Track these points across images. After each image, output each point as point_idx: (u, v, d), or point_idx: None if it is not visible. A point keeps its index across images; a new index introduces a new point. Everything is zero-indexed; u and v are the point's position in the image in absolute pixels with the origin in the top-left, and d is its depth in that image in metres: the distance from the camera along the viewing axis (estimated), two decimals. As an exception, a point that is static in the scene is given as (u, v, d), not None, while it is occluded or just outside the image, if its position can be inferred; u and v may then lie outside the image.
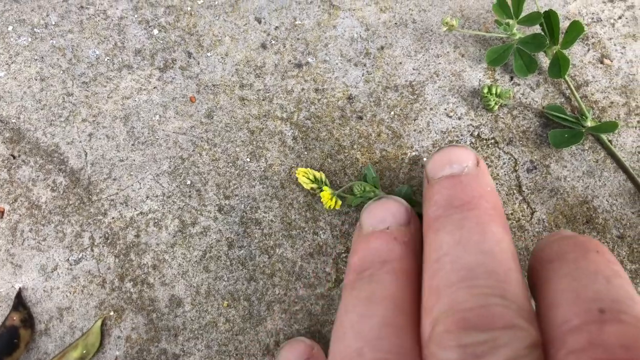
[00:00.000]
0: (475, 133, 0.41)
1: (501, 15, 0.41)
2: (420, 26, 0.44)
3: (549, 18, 0.40)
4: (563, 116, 0.40)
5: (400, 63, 0.43)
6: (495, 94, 0.41)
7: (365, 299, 0.24)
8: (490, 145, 0.41)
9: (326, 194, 0.36)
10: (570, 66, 0.42)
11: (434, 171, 0.29)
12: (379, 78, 0.42)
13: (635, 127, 0.42)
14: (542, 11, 0.41)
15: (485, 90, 0.40)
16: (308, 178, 0.37)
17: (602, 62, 0.43)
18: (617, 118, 0.42)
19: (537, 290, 0.25)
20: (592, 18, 0.44)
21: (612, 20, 0.44)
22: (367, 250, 0.26)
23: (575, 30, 0.39)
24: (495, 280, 0.22)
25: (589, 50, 0.43)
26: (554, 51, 0.40)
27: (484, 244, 0.24)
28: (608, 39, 0.44)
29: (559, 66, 0.40)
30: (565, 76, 0.40)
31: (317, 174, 0.37)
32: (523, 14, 0.43)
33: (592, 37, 0.44)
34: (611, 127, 0.38)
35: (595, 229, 0.39)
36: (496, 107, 0.40)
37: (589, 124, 0.40)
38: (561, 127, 0.41)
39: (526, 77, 0.42)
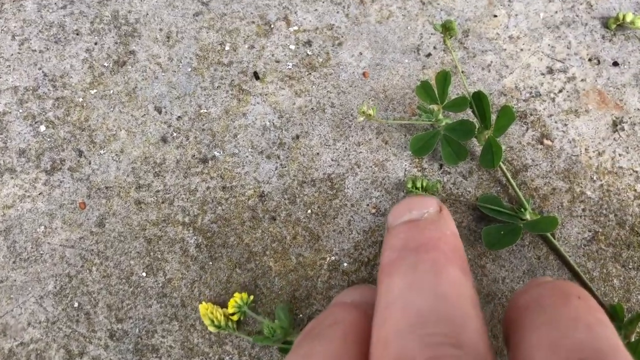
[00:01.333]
0: None
1: (425, 99, 0.42)
2: (340, 111, 0.45)
3: (479, 100, 0.40)
4: (498, 209, 0.41)
5: (318, 154, 0.43)
6: (422, 187, 0.41)
7: (304, 355, 0.25)
8: None
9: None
10: (507, 148, 0.43)
11: (393, 220, 0.30)
12: (294, 171, 0.42)
13: (581, 217, 0.42)
14: (473, 89, 0.42)
15: (410, 185, 0.41)
16: (212, 320, 0.36)
17: (542, 143, 0.44)
18: (560, 207, 0.42)
19: (511, 340, 0.25)
20: (531, 92, 0.45)
21: (552, 95, 0.45)
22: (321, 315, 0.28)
23: (506, 116, 0.40)
24: (450, 327, 0.22)
25: (527, 129, 0.44)
26: (486, 137, 0.40)
27: (439, 287, 0.24)
28: (548, 116, 0.44)
29: (492, 154, 0.40)
30: (500, 162, 0.40)
31: (224, 316, 0.37)
32: (452, 96, 0.43)
33: (531, 115, 0.44)
34: (550, 225, 0.39)
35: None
36: None
37: (528, 217, 0.40)
38: (497, 222, 0.41)
39: (456, 165, 0.42)
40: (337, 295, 0.31)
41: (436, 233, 0.27)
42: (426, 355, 0.21)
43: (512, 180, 0.43)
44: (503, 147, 0.42)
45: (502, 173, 0.44)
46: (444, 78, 0.43)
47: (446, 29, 0.42)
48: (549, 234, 0.42)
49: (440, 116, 0.43)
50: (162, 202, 0.44)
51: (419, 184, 0.42)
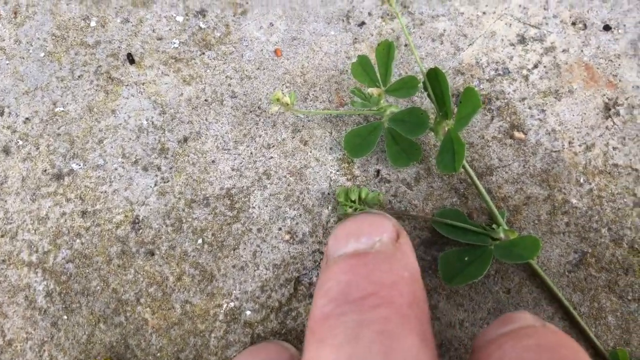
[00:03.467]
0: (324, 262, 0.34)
1: (364, 80, 0.36)
2: (243, 102, 0.38)
3: (436, 80, 0.34)
4: (463, 226, 0.34)
5: (213, 161, 0.37)
6: (358, 199, 0.35)
7: None
8: None
9: None
10: (466, 146, 0.37)
11: (333, 248, 0.27)
12: (180, 187, 0.36)
13: (564, 234, 0.36)
14: (426, 68, 0.36)
15: (342, 198, 0.35)
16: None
17: (511, 137, 0.38)
18: (536, 221, 0.36)
19: None
20: (497, 69, 0.39)
21: (524, 72, 0.39)
22: None
23: (470, 102, 0.34)
24: None
25: (492, 118, 0.38)
26: (446, 129, 0.34)
27: None
28: (520, 99, 0.38)
29: (453, 154, 0.34)
30: (467, 165, 0.35)
31: None
32: (396, 77, 0.38)
33: (498, 99, 0.38)
34: (531, 249, 0.33)
35: None
36: None
37: (502, 235, 0.34)
38: (458, 246, 0.35)
39: (406, 167, 0.37)
40: (236, 358, 0.28)
41: (389, 276, 0.25)
42: None
43: (481, 187, 0.37)
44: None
45: (464, 178, 0.38)
46: (386, 51, 0.37)
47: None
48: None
49: (383, 103, 0.37)
50: (2, 236, 0.37)
51: (354, 196, 0.36)
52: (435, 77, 0.37)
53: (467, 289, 0.38)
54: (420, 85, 0.38)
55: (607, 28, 0.44)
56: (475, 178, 0.38)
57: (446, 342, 0.37)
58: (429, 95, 0.39)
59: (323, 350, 0.22)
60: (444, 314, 0.37)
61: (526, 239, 0.36)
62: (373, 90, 0.37)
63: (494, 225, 0.38)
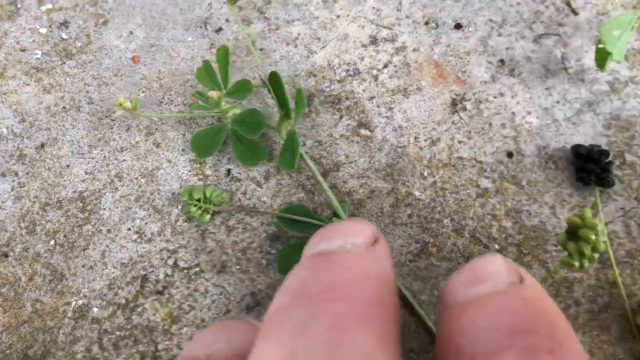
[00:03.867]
0: (172, 260, 0.38)
1: (207, 83, 0.39)
2: (99, 108, 0.41)
3: (275, 83, 0.37)
4: (306, 220, 0.37)
5: (68, 166, 0.40)
6: (204, 198, 0.38)
7: None
8: (194, 277, 0.38)
9: None
10: (315, 143, 0.40)
11: (307, 248, 0.27)
12: (35, 191, 0.39)
13: (406, 225, 0.39)
14: (275, 70, 0.39)
15: (186, 197, 0.37)
16: None
17: (358, 134, 0.40)
18: (379, 214, 0.39)
19: None
20: (348, 70, 0.42)
21: (374, 72, 0.42)
22: None
23: (300, 102, 0.37)
24: None
25: (341, 117, 0.41)
26: (287, 129, 0.37)
27: None
28: (369, 98, 0.41)
29: (293, 152, 0.37)
30: (309, 161, 0.37)
31: None
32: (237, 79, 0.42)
33: (347, 99, 0.41)
34: None
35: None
36: (207, 216, 0.37)
37: None
38: (302, 239, 0.38)
39: (254, 166, 0.39)
40: (191, 341, 0.27)
41: (352, 272, 0.24)
42: None
43: (322, 182, 0.39)
44: (309, 142, 0.39)
45: (311, 174, 0.41)
46: (224, 56, 0.40)
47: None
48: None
49: (224, 105, 0.40)
50: None
51: (197, 196, 0.39)
52: (275, 81, 0.41)
53: (307, 281, 0.40)
54: (257, 87, 0.41)
55: (458, 27, 0.47)
56: (317, 173, 0.41)
57: (285, 332, 0.40)
58: (273, 97, 0.42)
59: (267, 344, 0.21)
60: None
61: None
62: (212, 93, 0.41)
63: (334, 218, 0.41)
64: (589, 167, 0.42)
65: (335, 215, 0.41)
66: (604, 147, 0.45)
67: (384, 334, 0.21)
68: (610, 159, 0.44)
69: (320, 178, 0.41)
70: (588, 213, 0.31)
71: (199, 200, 0.41)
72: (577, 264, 0.31)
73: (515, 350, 0.21)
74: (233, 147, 0.42)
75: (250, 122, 0.41)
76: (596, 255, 0.32)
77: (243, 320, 0.27)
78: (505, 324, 0.22)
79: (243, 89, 0.41)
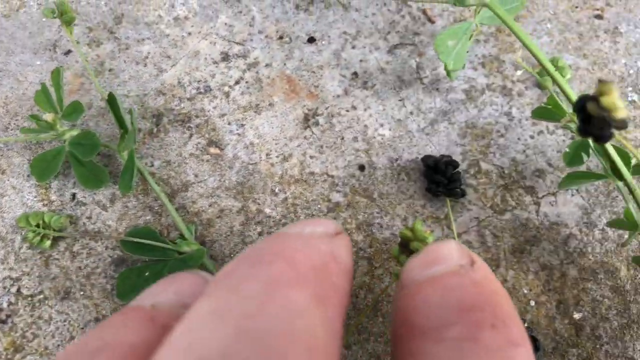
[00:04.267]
0: (15, 288, 0.38)
1: (45, 107, 0.40)
2: None
3: (111, 104, 0.38)
4: (149, 242, 0.38)
5: None
6: (43, 224, 0.38)
7: None
8: (38, 304, 0.38)
9: None
10: (163, 163, 0.41)
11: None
12: None
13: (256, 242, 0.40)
14: (123, 90, 0.40)
15: (23, 223, 0.38)
16: None
17: (208, 153, 0.41)
18: (229, 233, 0.40)
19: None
20: (198, 88, 0.43)
21: (226, 88, 0.43)
22: None
23: (132, 122, 0.37)
24: None
25: (191, 136, 0.42)
26: (124, 150, 0.38)
27: (261, 316, 0.20)
28: (220, 116, 0.42)
29: (131, 174, 0.38)
30: (152, 182, 0.38)
31: None
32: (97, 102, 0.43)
33: (197, 117, 0.42)
34: (196, 257, 0.39)
35: None
36: (46, 242, 0.38)
37: (187, 248, 0.38)
38: (153, 263, 0.39)
39: (98, 189, 0.40)
40: (144, 291, 0.26)
41: (301, 244, 0.24)
42: None
43: (169, 204, 0.40)
44: (157, 162, 0.40)
45: (157, 196, 0.42)
46: (57, 78, 0.41)
47: (60, 12, 0.40)
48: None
49: (59, 127, 0.40)
50: None
51: (35, 221, 0.40)
52: (112, 102, 0.41)
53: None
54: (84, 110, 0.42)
55: (311, 40, 0.48)
56: (162, 195, 0.43)
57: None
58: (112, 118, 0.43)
59: (204, 300, 0.21)
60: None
61: (196, 251, 0.40)
62: (47, 116, 0.41)
63: (177, 240, 0.41)
64: (436, 178, 0.44)
65: (181, 236, 0.42)
66: (459, 157, 0.46)
67: (324, 297, 0.22)
68: (459, 169, 0.46)
69: (165, 200, 0.43)
70: (418, 225, 0.33)
71: (37, 226, 0.42)
72: None
73: (462, 324, 0.23)
74: (74, 170, 0.43)
75: (86, 144, 0.42)
76: None
77: (195, 273, 0.28)
78: (454, 302, 0.24)
79: (76, 111, 0.42)
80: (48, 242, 0.42)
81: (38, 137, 0.44)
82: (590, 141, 0.42)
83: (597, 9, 0.52)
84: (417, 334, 0.24)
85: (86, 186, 0.44)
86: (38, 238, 0.42)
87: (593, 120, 0.31)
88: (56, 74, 0.43)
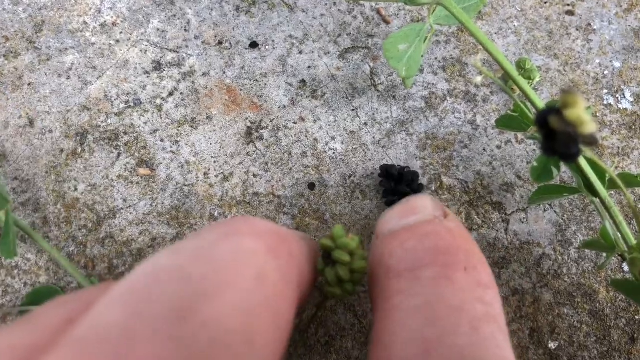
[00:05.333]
0: None
1: None
2: None
3: None
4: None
5: None
6: None
7: None
8: None
9: None
10: (88, 187, 0.36)
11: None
12: None
13: None
14: (48, 106, 0.37)
15: None
16: None
17: (138, 174, 0.37)
18: None
19: (376, 312, 0.26)
20: (127, 101, 0.38)
21: (158, 101, 0.38)
22: None
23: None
24: None
25: (119, 156, 0.37)
26: (4, 214, 0.33)
27: (215, 249, 0.22)
28: (151, 132, 0.38)
29: (12, 238, 0.32)
30: (43, 242, 0.34)
31: None
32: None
33: (126, 134, 0.37)
34: None
35: None
36: None
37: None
38: None
39: None
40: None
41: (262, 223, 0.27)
42: None
43: (60, 257, 0.35)
44: (82, 186, 0.35)
45: (84, 224, 0.37)
46: None
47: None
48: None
49: None
50: None
51: None
52: None
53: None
54: None
55: (254, 45, 0.44)
56: (54, 250, 0.37)
57: None
58: None
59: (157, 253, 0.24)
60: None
61: None
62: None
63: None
64: (401, 189, 0.40)
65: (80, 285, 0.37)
66: (419, 170, 0.42)
67: (279, 254, 0.24)
68: (420, 180, 0.41)
69: (56, 254, 0.37)
70: (338, 232, 0.28)
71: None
72: (338, 291, 0.29)
73: (437, 266, 0.25)
74: None
75: None
76: (357, 277, 0.29)
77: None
78: (429, 246, 0.27)
79: None
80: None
81: None
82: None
83: (568, 5, 0.48)
84: (392, 275, 0.26)
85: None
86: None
87: (557, 137, 0.27)
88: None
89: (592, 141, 0.27)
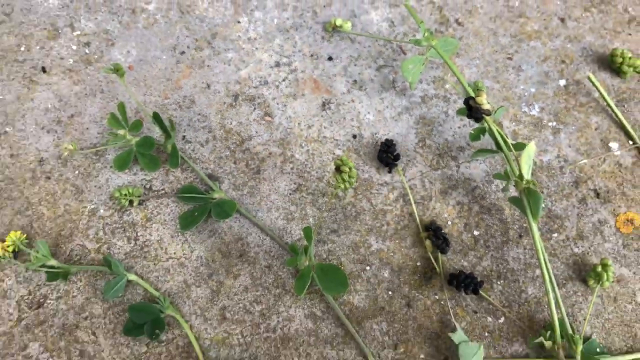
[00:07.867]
0: (148, 185, 0.72)
1: (116, 126, 0.73)
2: (108, 95, 0.76)
3: (157, 119, 0.71)
4: (192, 195, 0.71)
5: (87, 128, 0.74)
6: (128, 194, 0.72)
7: None
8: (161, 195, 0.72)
9: None
10: (237, 124, 0.74)
11: None
12: (67, 143, 0.73)
13: (289, 174, 0.74)
14: (214, 82, 0.73)
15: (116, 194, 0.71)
16: None
17: (264, 119, 0.76)
18: (274, 166, 0.74)
19: None
20: (260, 81, 0.78)
21: (277, 83, 0.78)
22: None
23: (172, 128, 0.71)
24: None
25: (254, 109, 0.77)
26: (169, 145, 0.72)
27: None
28: (272, 99, 0.77)
29: (176, 157, 0.72)
30: (190, 162, 0.72)
31: (2, 249, 0.66)
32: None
33: (259, 98, 0.77)
34: (229, 209, 0.71)
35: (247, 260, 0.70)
36: (134, 203, 0.72)
37: (216, 196, 0.71)
38: (198, 206, 0.72)
39: (154, 171, 0.73)
40: None
41: None
42: None
43: (193, 165, 0.74)
44: (234, 123, 0.75)
45: (189, 164, 0.76)
46: (122, 109, 0.74)
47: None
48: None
49: (129, 137, 0.74)
50: (-39, 168, 0.74)
51: (123, 192, 0.73)
52: (156, 117, 0.76)
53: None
54: (142, 126, 0.76)
55: (330, 59, 0.83)
56: (191, 162, 0.77)
57: (213, 230, 0.75)
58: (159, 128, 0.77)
59: None
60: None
61: (228, 202, 0.74)
62: (120, 131, 0.76)
63: (211, 191, 0.76)
64: (391, 150, 0.79)
65: (211, 188, 0.76)
66: (414, 136, 0.81)
67: None
68: (413, 143, 0.80)
69: (191, 162, 0.77)
70: (344, 157, 0.67)
71: (123, 195, 0.76)
72: (342, 186, 0.67)
73: None
74: (140, 161, 0.76)
75: (146, 144, 0.76)
76: (352, 180, 0.67)
77: None
78: None
79: (135, 126, 0.76)
80: (135, 203, 0.76)
81: (112, 145, 0.77)
82: (486, 125, 0.77)
83: (510, 54, 0.88)
84: None
85: (147, 169, 0.78)
86: (126, 201, 0.76)
87: (472, 110, 0.67)
88: (121, 107, 0.77)
89: (487, 113, 0.66)
